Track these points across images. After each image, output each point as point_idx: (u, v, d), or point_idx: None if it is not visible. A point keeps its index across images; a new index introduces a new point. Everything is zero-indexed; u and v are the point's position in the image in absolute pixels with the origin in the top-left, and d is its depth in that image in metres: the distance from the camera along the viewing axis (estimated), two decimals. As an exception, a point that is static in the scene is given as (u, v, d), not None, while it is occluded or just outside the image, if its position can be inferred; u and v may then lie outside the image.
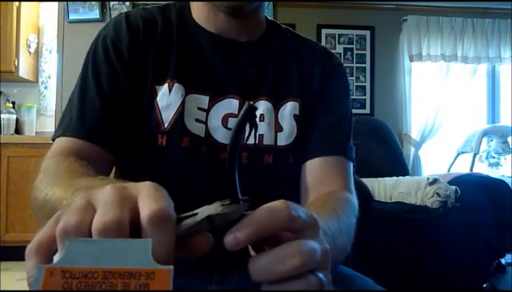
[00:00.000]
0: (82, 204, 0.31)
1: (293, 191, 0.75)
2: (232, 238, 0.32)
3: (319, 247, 0.34)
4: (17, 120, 3.53)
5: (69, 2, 3.25)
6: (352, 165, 0.76)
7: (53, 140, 0.69)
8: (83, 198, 0.32)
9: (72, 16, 3.26)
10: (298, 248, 0.32)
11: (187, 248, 0.32)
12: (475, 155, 3.27)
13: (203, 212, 0.33)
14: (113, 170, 0.76)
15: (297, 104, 0.75)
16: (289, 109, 0.74)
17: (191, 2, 0.77)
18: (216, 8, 0.71)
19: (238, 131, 0.33)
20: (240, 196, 0.33)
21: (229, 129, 0.71)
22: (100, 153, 0.66)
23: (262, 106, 0.73)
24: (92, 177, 0.53)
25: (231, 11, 0.70)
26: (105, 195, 0.31)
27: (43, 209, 0.51)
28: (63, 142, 0.67)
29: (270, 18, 0.83)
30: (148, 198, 0.30)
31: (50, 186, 0.52)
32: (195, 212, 0.33)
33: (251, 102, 0.33)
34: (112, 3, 3.27)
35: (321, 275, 0.33)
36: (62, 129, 0.68)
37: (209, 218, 0.32)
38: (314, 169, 0.73)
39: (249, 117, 0.32)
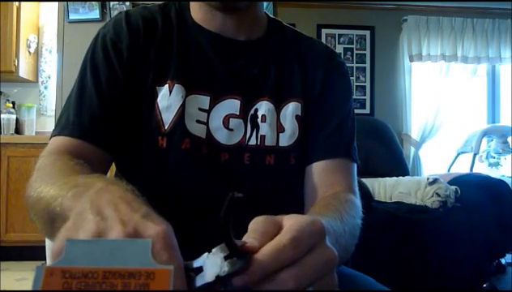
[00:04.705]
0: None
1: (294, 191, 0.74)
2: (241, 281, 0.34)
3: (320, 263, 0.36)
4: (17, 120, 3.53)
5: (69, 2, 3.24)
6: (355, 166, 0.76)
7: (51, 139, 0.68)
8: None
9: (72, 16, 3.25)
10: (293, 275, 0.35)
11: None
12: (475, 155, 3.27)
13: (207, 266, 0.34)
14: (114, 170, 0.76)
15: (299, 104, 0.74)
16: (291, 109, 0.74)
17: (190, 2, 0.77)
18: (211, 6, 0.71)
19: (226, 219, 0.33)
20: (239, 249, 0.34)
21: (230, 129, 0.71)
22: (96, 153, 0.66)
23: (264, 107, 0.72)
24: (88, 174, 0.52)
25: (223, 8, 0.70)
26: None
27: (36, 207, 0.51)
28: (59, 141, 0.66)
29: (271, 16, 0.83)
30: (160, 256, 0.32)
31: (44, 184, 0.51)
32: (199, 264, 0.35)
33: (236, 193, 0.33)
34: (112, 3, 3.27)
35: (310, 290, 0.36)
36: (59, 128, 0.67)
37: (218, 277, 0.34)
38: (319, 172, 0.72)
39: (233, 206, 0.33)
